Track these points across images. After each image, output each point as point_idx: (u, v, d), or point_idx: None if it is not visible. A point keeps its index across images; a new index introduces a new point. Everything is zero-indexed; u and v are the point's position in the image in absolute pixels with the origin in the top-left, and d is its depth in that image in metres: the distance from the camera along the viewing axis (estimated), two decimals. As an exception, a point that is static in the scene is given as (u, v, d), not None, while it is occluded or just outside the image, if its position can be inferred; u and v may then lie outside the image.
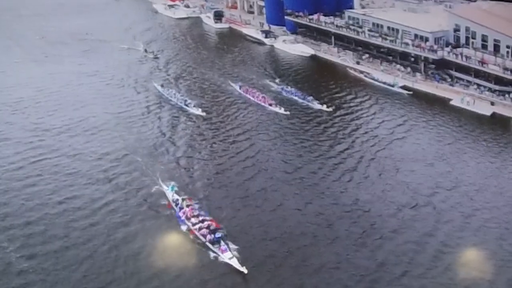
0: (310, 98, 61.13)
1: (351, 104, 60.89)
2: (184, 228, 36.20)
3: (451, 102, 60.27)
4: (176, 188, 39.77)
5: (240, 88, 63.64)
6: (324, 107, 58.76)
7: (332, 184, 42.48)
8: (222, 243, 34.30)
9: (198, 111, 56.57)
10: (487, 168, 45.65)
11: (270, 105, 59.28)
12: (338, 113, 57.50)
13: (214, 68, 72.79)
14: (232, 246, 34.27)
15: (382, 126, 54.42)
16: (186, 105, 57.96)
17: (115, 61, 75.43)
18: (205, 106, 58.51)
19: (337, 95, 63.83)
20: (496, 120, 56.79)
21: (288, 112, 57.46)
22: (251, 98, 61.35)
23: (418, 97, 62.26)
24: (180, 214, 37.05)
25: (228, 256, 33.27)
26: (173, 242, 35.45)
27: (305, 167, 45.02)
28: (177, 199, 38.36)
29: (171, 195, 39.07)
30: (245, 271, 31.93)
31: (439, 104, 60.20)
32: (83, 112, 56.77)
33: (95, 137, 50.66)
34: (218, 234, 34.81)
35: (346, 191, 41.42)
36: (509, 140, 52.42)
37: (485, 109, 58.27)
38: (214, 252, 33.95)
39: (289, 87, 65.18)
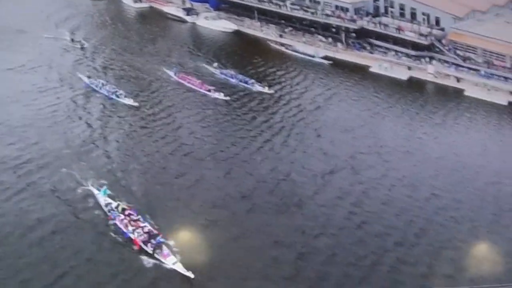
0: (251, 81, 59.15)
1: (273, 77, 61.19)
2: (119, 235, 32.06)
3: (370, 69, 63.18)
4: (109, 192, 35.10)
5: (175, 75, 59.07)
6: (265, 89, 57.08)
7: (252, 156, 42.70)
8: (164, 248, 30.85)
9: (130, 102, 51.85)
10: (403, 130, 48.66)
11: (209, 90, 55.87)
12: (265, 86, 57.11)
13: (143, 53, 67.05)
14: (174, 248, 31.16)
15: (304, 96, 55.69)
16: (117, 96, 52.77)
17: (36, 53, 68.24)
18: (137, 96, 53.64)
19: (260, 69, 63.45)
20: (412, 84, 60.31)
21: (227, 98, 54.51)
22: (188, 84, 57.35)
23: (339, 66, 64.25)
24: (117, 221, 32.73)
25: (172, 261, 30.20)
26: (109, 253, 31.19)
27: (234, 146, 44.62)
28: (110, 204, 33.90)
29: (103, 200, 34.42)
30: (192, 275, 29.01)
31: (359, 71, 62.54)
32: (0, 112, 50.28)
33: (14, 139, 44.07)
34: (158, 239, 31.14)
35: (266, 160, 41.86)
36: (425, 102, 56.13)
37: (402, 74, 61.86)
38: (157, 259, 30.44)
39: (228, 70, 61.83)
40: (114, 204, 33.86)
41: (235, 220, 34.62)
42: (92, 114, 49.56)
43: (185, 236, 32.54)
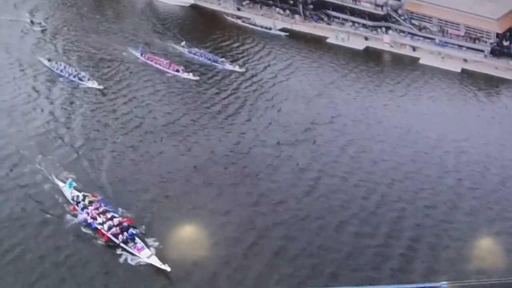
0: (221, 59, 57.43)
1: (235, 52, 60.22)
2: (89, 230, 30.13)
3: (328, 40, 63.76)
4: (74, 184, 32.91)
5: (142, 55, 56.32)
6: (236, 68, 55.49)
7: (214, 132, 42.18)
8: (138, 240, 29.08)
9: (94, 85, 49.19)
10: (360, 100, 48.82)
11: (177, 71, 53.59)
12: (235, 65, 55.86)
13: (106, 32, 63.68)
14: (149, 241, 29.38)
15: (266, 70, 54.93)
16: (80, 79, 49.99)
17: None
18: (102, 78, 50.91)
19: (221, 44, 62.22)
20: (369, 54, 60.92)
21: (197, 78, 52.34)
22: (155, 65, 54.80)
23: (297, 38, 64.11)
24: (84, 214, 30.61)
25: (146, 254, 28.39)
26: (79, 249, 29.13)
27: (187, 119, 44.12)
28: (77, 196, 31.74)
29: (69, 192, 32.18)
30: (168, 269, 27.40)
31: (317, 43, 62.76)
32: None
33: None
34: (131, 231, 29.30)
35: (227, 136, 41.57)
36: (381, 71, 56.82)
37: (359, 44, 62.64)
38: (130, 252, 28.65)
39: (196, 49, 59.47)
40: (80, 196, 31.77)
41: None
42: (54, 100, 46.70)
43: (159, 225, 30.91)
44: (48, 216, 31.34)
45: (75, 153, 37.90)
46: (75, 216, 31.05)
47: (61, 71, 51.50)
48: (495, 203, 34.61)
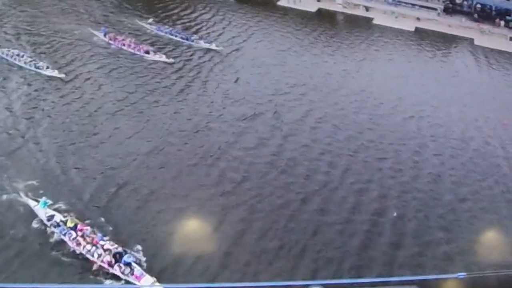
0: (194, 37, 52.16)
1: (186, 19, 57.73)
2: (75, 260, 24.25)
3: (279, 3, 63.81)
4: (49, 201, 26.62)
5: (105, 36, 49.53)
6: (213, 46, 50.48)
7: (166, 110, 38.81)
8: (136, 267, 23.69)
9: (55, 73, 42.19)
10: (317, 64, 48.74)
11: (147, 52, 47.41)
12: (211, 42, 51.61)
13: (62, 12, 55.86)
14: (146, 264, 24.19)
15: (218, 38, 53.22)
16: (37, 68, 42.78)
17: None
18: (62, 66, 43.75)
19: (172, 12, 59.13)
20: (322, 16, 61.57)
21: (171, 60, 46.47)
22: (122, 47, 48.33)
23: (247, 1, 63.39)
24: (67, 240, 24.78)
25: (149, 282, 23.17)
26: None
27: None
28: (53, 217, 25.73)
29: (44, 213, 25.98)
30: None
31: (267, 5, 62.53)
32: None
33: None
34: (127, 258, 23.84)
35: (180, 113, 38.54)
36: (336, 34, 57.41)
37: (311, 6, 63.09)
38: (129, 282, 23.35)
39: (166, 26, 53.34)
40: (59, 217, 25.74)
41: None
42: (10, 95, 39.25)
43: (153, 243, 25.68)
44: (19, 242, 24.93)
45: (42, 161, 31.22)
46: (54, 241, 25.09)
47: (15, 59, 44.06)
48: (459, 169, 34.74)
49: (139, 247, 25.15)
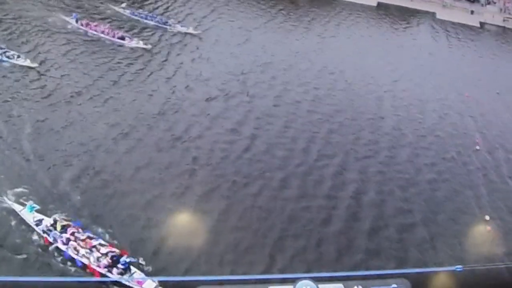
0: (171, 20, 50.39)
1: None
2: (70, 266, 22.18)
3: None
4: (36, 206, 24.33)
5: (77, 22, 46.86)
6: (190, 30, 49.14)
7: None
8: (136, 271, 22.09)
9: (27, 63, 39.29)
10: (287, 43, 49.06)
11: (122, 38, 45.11)
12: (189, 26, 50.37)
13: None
14: (146, 267, 22.45)
15: (185, 18, 52.54)
16: (8, 58, 39.84)
17: None
18: (35, 55, 40.85)
19: None
20: None
21: (149, 46, 44.47)
22: (95, 32, 45.83)
23: None
24: (59, 244, 22.77)
25: (151, 286, 21.54)
26: None
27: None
28: (41, 221, 23.58)
29: (31, 218, 23.79)
30: None
31: None
32: None
33: None
34: (124, 261, 22.30)
35: (150, 97, 36.95)
36: (304, 12, 57.97)
37: None
38: (131, 287, 21.69)
39: (140, 10, 51.08)
40: (48, 220, 23.65)
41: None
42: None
43: (151, 245, 24.15)
44: (8, 251, 22.56)
45: (22, 160, 28.38)
46: (45, 246, 22.90)
47: (-20, 49, 41.35)
48: (434, 143, 34.98)
49: (110, 230, 24.01)
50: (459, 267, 21.64)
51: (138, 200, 26.41)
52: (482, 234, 26.89)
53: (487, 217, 27.79)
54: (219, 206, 26.78)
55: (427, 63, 49.33)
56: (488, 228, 27.13)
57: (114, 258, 22.05)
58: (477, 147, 35.09)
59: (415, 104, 40.22)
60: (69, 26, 46.51)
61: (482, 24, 66.06)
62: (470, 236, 26.60)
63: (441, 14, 64.82)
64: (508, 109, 41.86)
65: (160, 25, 49.37)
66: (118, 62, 41.53)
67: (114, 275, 21.70)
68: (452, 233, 26.63)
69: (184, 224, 25.40)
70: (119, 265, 21.85)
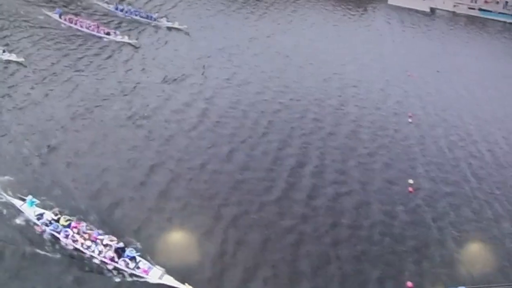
0: (155, 15, 49.54)
1: None
2: (77, 259, 21.61)
3: None
4: (36, 200, 23.52)
5: (61, 17, 45.96)
6: (176, 25, 48.44)
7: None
8: (141, 260, 21.68)
9: (13, 57, 38.05)
10: (245, 28, 51.11)
11: (108, 34, 44.33)
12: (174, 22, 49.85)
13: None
14: (150, 257, 22.04)
15: (146, 5, 53.16)
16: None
17: None
18: (20, 50, 39.71)
19: None
20: None
21: (135, 40, 43.99)
22: (80, 28, 45.02)
23: None
24: (61, 237, 22.22)
25: (158, 274, 21.16)
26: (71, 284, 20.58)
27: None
28: (42, 214, 22.85)
29: (32, 213, 23.00)
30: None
31: None
32: None
33: None
34: (130, 252, 21.95)
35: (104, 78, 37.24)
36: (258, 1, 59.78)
37: None
38: (137, 275, 21.27)
39: (124, 5, 50.35)
40: (49, 214, 22.85)
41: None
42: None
43: (155, 236, 23.86)
44: (9, 247, 21.68)
45: (17, 153, 27.47)
46: (51, 244, 22.07)
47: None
48: (374, 120, 36.12)
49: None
50: None
51: (92, 170, 26.73)
52: (404, 195, 28.30)
53: (411, 181, 29.31)
54: (166, 178, 26.92)
55: (377, 47, 51.51)
56: (410, 189, 28.66)
57: (119, 249, 21.73)
58: (409, 120, 36.76)
59: (361, 85, 41.57)
60: (53, 21, 45.42)
61: (432, 9, 69.06)
62: (394, 197, 27.99)
63: (393, 0, 67.78)
64: (445, 86, 44.39)
65: (145, 19, 48.86)
66: (97, 55, 41.01)
67: (119, 265, 21.40)
68: (379, 198, 27.63)
69: (134, 191, 25.76)
70: (124, 255, 21.53)
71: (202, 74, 39.41)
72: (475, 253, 24.88)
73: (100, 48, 42.26)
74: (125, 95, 35.01)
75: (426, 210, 27.18)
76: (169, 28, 48.17)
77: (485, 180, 30.82)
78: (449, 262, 23.88)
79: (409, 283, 22.27)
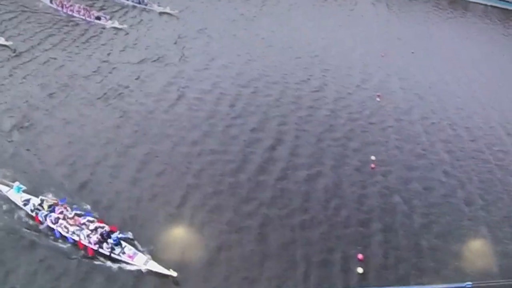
0: (147, 0, 48.70)
1: None
2: (61, 244, 21.36)
3: None
4: (23, 187, 23.16)
5: (51, 2, 45.37)
6: (167, 10, 48.40)
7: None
8: (126, 246, 21.50)
9: (1, 41, 37.37)
10: (223, 9, 52.24)
11: (98, 18, 43.79)
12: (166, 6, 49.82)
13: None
14: (137, 242, 21.86)
15: None
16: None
17: None
18: (9, 33, 38.98)
19: None
20: None
21: (125, 26, 43.46)
22: (71, 13, 44.45)
23: None
24: (48, 223, 21.87)
25: (142, 260, 20.95)
26: (60, 270, 20.47)
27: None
28: (29, 200, 22.57)
29: (19, 198, 22.76)
30: (174, 274, 20.34)
31: None
32: None
33: None
34: (116, 236, 21.77)
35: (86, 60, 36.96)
36: None
37: None
38: (122, 261, 21.04)
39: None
40: (35, 200, 22.62)
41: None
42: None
43: (142, 221, 23.70)
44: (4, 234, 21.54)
45: (3, 140, 27.03)
46: (36, 226, 22.05)
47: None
48: (349, 102, 36.86)
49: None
50: (469, 284, 21.64)
51: (64, 149, 26.85)
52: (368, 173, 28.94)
53: (373, 157, 30.10)
54: (139, 157, 27.09)
55: (360, 31, 53.07)
56: (372, 165, 29.47)
57: (104, 234, 21.55)
58: (378, 99, 37.61)
59: (339, 68, 42.59)
60: (43, 6, 44.84)
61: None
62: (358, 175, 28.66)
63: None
64: (415, 67, 45.95)
65: (137, 4, 48.37)
66: (87, 41, 40.30)
67: (104, 250, 21.27)
68: (350, 180, 28.19)
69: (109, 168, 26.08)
70: (110, 241, 21.35)
71: (182, 56, 39.50)
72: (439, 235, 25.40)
73: (88, 32, 41.64)
74: (104, 76, 34.77)
75: (389, 187, 27.96)
76: (161, 13, 47.69)
77: (453, 154, 32.30)
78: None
79: (360, 255, 22.86)
